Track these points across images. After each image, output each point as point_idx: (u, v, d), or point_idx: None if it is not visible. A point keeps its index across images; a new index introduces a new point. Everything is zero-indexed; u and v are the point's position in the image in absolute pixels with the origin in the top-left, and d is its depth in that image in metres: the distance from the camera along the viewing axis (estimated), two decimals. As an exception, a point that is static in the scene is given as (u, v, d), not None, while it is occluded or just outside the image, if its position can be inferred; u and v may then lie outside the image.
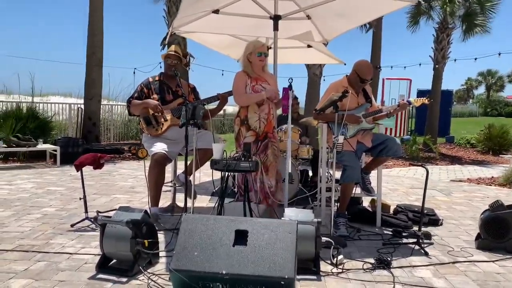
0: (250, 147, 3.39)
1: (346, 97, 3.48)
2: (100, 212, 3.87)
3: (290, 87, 3.63)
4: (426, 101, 4.00)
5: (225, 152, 3.34)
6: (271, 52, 4.33)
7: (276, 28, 4.33)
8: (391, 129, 16.23)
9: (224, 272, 2.17)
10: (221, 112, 19.90)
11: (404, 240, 3.58)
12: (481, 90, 64.10)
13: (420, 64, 13.73)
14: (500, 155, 11.68)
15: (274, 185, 3.91)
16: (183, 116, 3.58)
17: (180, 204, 4.51)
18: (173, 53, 4.11)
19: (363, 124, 3.87)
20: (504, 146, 12.08)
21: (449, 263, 3.10)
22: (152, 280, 2.58)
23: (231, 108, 17.41)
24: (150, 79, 4.18)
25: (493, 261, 3.16)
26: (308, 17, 4.95)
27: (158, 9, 12.17)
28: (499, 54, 12.63)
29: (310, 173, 5.85)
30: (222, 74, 12.80)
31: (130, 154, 9.27)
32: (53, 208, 4.41)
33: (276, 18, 4.31)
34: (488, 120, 17.35)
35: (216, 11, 4.57)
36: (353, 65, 3.96)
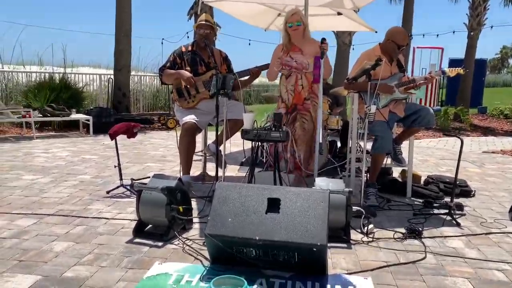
0: (281, 117, 3.39)
1: (380, 65, 3.40)
2: (134, 180, 3.99)
3: (321, 55, 3.57)
4: (461, 71, 3.87)
5: (255, 122, 3.36)
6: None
7: (307, -6, 4.24)
8: (421, 99, 15.83)
9: (257, 238, 2.22)
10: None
11: (435, 211, 3.55)
12: (516, 59, 61.43)
13: (454, 32, 13.14)
14: (536, 127, 11.29)
15: (302, 157, 3.92)
16: (213, 86, 3.61)
17: (211, 173, 4.58)
18: (204, 22, 4.07)
19: (395, 94, 3.79)
20: (540, 117, 11.67)
21: (481, 234, 3.08)
22: (187, 245, 2.67)
23: (256, 80, 17.31)
24: (183, 49, 4.18)
25: (527, 233, 3.12)
26: (340, -17, 4.81)
27: (184, -22, 12.04)
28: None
29: (339, 144, 5.81)
30: (249, 44, 12.66)
31: (160, 124, 9.41)
32: (88, 175, 4.57)
33: (307, -15, 4.20)
34: (524, 90, 16.68)
35: (245, -21, 4.49)
36: (386, 33, 3.86)
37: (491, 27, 12.33)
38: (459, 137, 3.39)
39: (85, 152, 5.96)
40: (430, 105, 14.89)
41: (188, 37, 11.57)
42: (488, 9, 12.32)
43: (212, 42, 6.20)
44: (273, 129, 3.30)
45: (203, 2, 5.22)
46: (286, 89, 3.87)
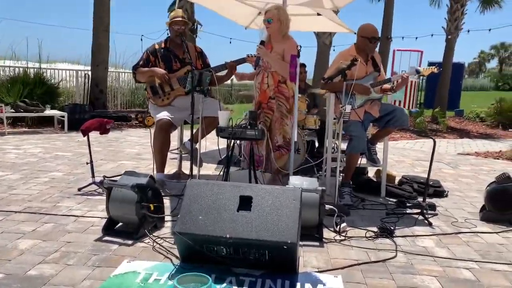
0: (256, 115, 3.37)
1: (355, 65, 3.43)
2: (107, 177, 3.91)
3: (297, 54, 3.57)
4: (435, 70, 3.91)
5: (231, 120, 3.33)
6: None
7: (285, -7, 4.22)
8: (400, 101, 16.06)
9: (228, 235, 2.19)
10: (228, 82, 19.78)
11: (408, 211, 3.58)
12: (493, 63, 62.94)
13: (432, 35, 13.36)
14: (510, 129, 11.56)
15: (264, 156, 3.88)
16: (189, 83, 3.56)
17: (186, 171, 4.53)
18: (180, 18, 4.02)
19: (371, 94, 3.82)
20: (514, 120, 11.95)
21: (452, 233, 3.11)
22: (157, 243, 2.63)
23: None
24: (156, 46, 4.12)
25: (496, 233, 3.16)
26: (319, -18, 4.82)
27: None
28: (514, 25, 12.23)
29: (317, 144, 5.83)
30: (230, 42, 12.62)
31: (137, 122, 9.29)
32: (60, 172, 4.47)
33: (285, -17, 4.19)
34: (499, 94, 17.05)
35: (225, -25, 4.45)
36: (357, 32, 3.90)
37: (468, 31, 12.59)
38: (432, 138, 3.43)
39: (58, 149, 5.83)
40: (409, 107, 15.12)
41: (168, 34, 11.45)
42: (466, 13, 12.58)
43: (192, 39, 6.18)
44: (249, 127, 3.28)
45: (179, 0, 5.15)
46: (254, 87, 3.88)
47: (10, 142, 6.23)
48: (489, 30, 13.30)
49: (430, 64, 17.08)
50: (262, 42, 3.74)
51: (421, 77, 9.75)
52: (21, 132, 7.32)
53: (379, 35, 3.84)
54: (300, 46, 3.66)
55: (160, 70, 3.93)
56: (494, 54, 60.33)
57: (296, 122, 3.76)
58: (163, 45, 4.11)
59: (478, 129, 11.95)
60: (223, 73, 4.14)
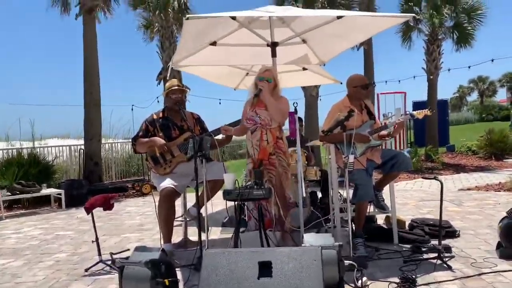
0: (261, 174, 3.36)
1: (352, 116, 3.49)
2: (113, 254, 3.80)
3: (295, 111, 3.63)
4: (429, 113, 4.00)
5: (236, 181, 3.32)
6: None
7: (274, 55, 4.38)
8: (390, 143, 16.24)
9: (252, 306, 2.11)
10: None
11: (425, 256, 3.51)
12: (473, 96, 64.77)
13: (414, 77, 13.85)
14: (504, 160, 11.67)
15: (278, 212, 3.84)
16: (190, 149, 3.57)
17: (192, 238, 4.45)
18: (177, 87, 4.11)
19: (370, 142, 3.86)
20: (506, 150, 12.11)
21: (474, 275, 3.04)
22: (176, 321, 2.51)
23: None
24: (155, 116, 4.18)
25: (518, 270, 3.10)
26: (304, 41, 5.02)
27: (151, 46, 12.34)
28: (492, 60, 12.78)
29: (319, 194, 5.79)
30: (220, 103, 12.87)
31: (134, 191, 9.21)
32: (64, 253, 4.34)
33: (273, 45, 4.36)
34: (485, 125, 17.39)
35: (214, 43, 4.62)
36: (346, 85, 4.01)
37: (448, 70, 13.05)
38: (438, 180, 3.44)
39: (58, 228, 5.70)
40: (400, 148, 15.28)
41: (158, 101, 11.69)
42: (443, 53, 13.09)
43: (184, 105, 6.26)
44: (255, 186, 3.26)
45: (172, 68, 5.29)
46: (252, 144, 3.88)
47: (8, 226, 6.09)
48: (469, 67, 13.79)
49: (415, 103, 17.51)
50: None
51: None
52: (18, 214, 7.17)
53: (368, 81, 3.96)
54: (297, 103, 3.74)
55: (160, 141, 3.95)
56: (474, 87, 62.29)
57: (302, 176, 3.75)
58: (161, 115, 4.17)
59: (472, 162, 12.05)
60: (220, 136, 4.18)
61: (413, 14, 3.74)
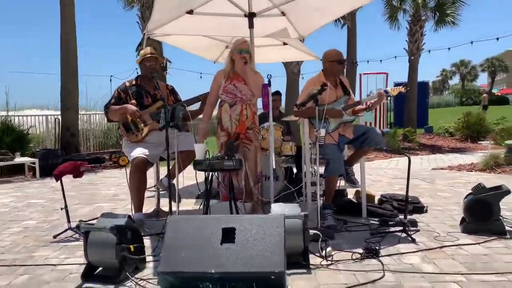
0: (233, 145, 3.36)
1: (325, 90, 3.49)
2: (83, 221, 3.79)
3: (269, 83, 3.61)
4: (403, 90, 4.03)
5: (207, 152, 3.31)
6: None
7: (251, 25, 4.33)
8: (370, 122, 16.44)
9: (213, 271, 2.14)
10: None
11: (391, 229, 3.59)
12: (455, 80, 65.66)
13: (395, 57, 13.87)
14: (478, 142, 11.92)
15: (250, 184, 3.88)
16: (162, 119, 3.53)
17: (165, 208, 4.44)
18: (150, 55, 4.04)
19: (344, 117, 3.88)
20: (482, 133, 12.35)
21: (436, 248, 3.13)
22: (140, 286, 2.53)
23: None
24: (127, 84, 4.11)
25: (478, 243, 3.20)
26: (283, 13, 4.96)
27: (131, 15, 12.06)
28: (472, 42, 12.90)
29: (295, 170, 5.84)
30: (201, 77, 12.74)
31: (111, 163, 9.13)
32: (34, 220, 4.30)
33: (250, 16, 4.30)
34: (464, 109, 17.66)
35: (190, 12, 4.53)
36: (322, 59, 4.00)
37: (429, 51, 13.13)
38: (406, 155, 3.50)
39: (31, 197, 5.63)
40: (380, 127, 15.46)
41: (138, 73, 11.48)
42: (425, 34, 13.14)
43: (163, 76, 6.16)
44: (226, 158, 3.26)
45: (149, 37, 5.19)
46: (230, 118, 3.87)
47: (-21, 194, 5.99)
48: (449, 48, 13.91)
49: (396, 84, 17.65)
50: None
51: (390, 98, 9.99)
52: (-10, 182, 7.06)
53: (343, 57, 3.95)
54: (270, 75, 3.72)
55: (131, 107, 3.90)
56: (455, 71, 63.02)
57: (273, 150, 3.77)
58: (134, 82, 4.10)
59: (448, 143, 12.27)
60: (197, 106, 4.15)
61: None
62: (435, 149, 11.02)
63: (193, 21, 4.78)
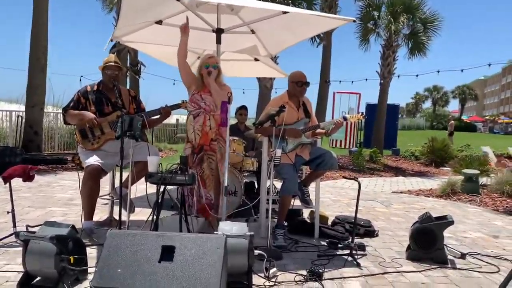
0: (187, 159, 3.36)
1: (283, 111, 3.55)
2: (30, 226, 3.69)
3: (228, 100, 3.65)
4: (361, 117, 4.17)
5: (160, 165, 3.30)
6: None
7: (218, 41, 4.36)
8: (340, 141, 16.74)
9: (147, 289, 2.13)
10: (173, 121, 19.65)
11: (339, 252, 3.66)
12: (428, 104, 67.56)
13: (366, 79, 14.25)
14: (441, 167, 12.27)
15: (214, 197, 3.92)
16: (119, 127, 3.50)
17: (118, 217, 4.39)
18: (113, 63, 4.00)
19: (303, 139, 3.95)
20: (446, 159, 12.72)
21: (378, 274, 3.20)
22: (76, 298, 2.49)
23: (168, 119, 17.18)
24: (88, 88, 4.05)
25: (420, 271, 3.29)
26: (253, 31, 5.03)
27: (107, 17, 11.99)
28: (438, 71, 13.35)
29: (256, 185, 5.87)
30: (174, 84, 12.70)
31: (73, 164, 8.93)
32: (-20, 222, 4.17)
33: (218, 32, 4.33)
34: (434, 133, 18.17)
35: (159, 22, 4.54)
36: (288, 79, 4.08)
37: (398, 76, 13.51)
38: (356, 180, 3.58)
39: (-19, 196, 5.45)
40: (349, 146, 15.73)
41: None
42: (397, 59, 13.52)
43: (136, 80, 6.16)
44: (179, 172, 3.26)
45: (118, 42, 5.15)
46: (193, 129, 3.89)
47: None
48: (417, 75, 14.32)
49: (368, 105, 18.05)
50: None
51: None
52: None
53: (307, 80, 4.02)
54: (230, 93, 3.75)
55: (89, 114, 3.85)
56: (428, 95, 64.89)
57: (227, 165, 3.78)
58: (95, 88, 4.05)
59: (413, 167, 12.57)
60: (156, 116, 4.14)
61: (353, 18, 3.82)
62: (399, 172, 11.27)
63: (163, 31, 4.78)
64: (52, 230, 2.68)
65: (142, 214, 4.77)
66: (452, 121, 26.02)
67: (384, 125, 13.64)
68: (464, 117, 57.24)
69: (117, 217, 4.31)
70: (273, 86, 11.34)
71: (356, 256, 3.48)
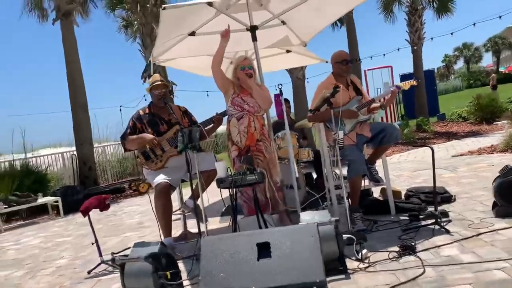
0: (252, 159, 3.36)
1: (338, 92, 3.48)
2: (115, 253, 3.81)
3: (280, 93, 3.63)
4: (415, 83, 4.03)
5: (229, 168, 3.32)
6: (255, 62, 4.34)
7: (254, 39, 4.34)
8: (382, 118, 16.35)
9: (253, 287, 2.13)
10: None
11: (423, 223, 3.54)
12: (459, 64, 65.10)
13: (398, 49, 13.82)
14: (494, 123, 11.76)
15: (269, 198, 3.87)
16: (180, 142, 3.55)
17: (192, 230, 4.46)
18: (160, 82, 4.08)
19: (359, 117, 3.87)
20: (495, 114, 12.19)
21: (472, 236, 3.07)
22: (182, 311, 2.52)
23: (221, 128, 17.36)
24: (141, 112, 4.16)
25: (515, 226, 3.14)
26: (283, 22, 4.98)
27: (134, 45, 12.27)
28: (474, 24, 12.78)
29: (314, 175, 5.82)
30: (207, 95, 12.82)
31: (131, 191, 9.19)
32: (65, 259, 4.34)
33: (253, 29, 4.32)
34: (473, 92, 17.47)
35: (193, 33, 4.58)
36: (330, 62, 4.02)
37: (432, 38, 13.05)
38: (429, 146, 3.46)
39: (58, 235, 5.69)
40: (392, 121, 15.35)
41: (146, 99, 11.61)
42: (425, 23, 13.09)
43: (170, 99, 6.25)
44: (247, 172, 3.26)
45: (154, 63, 5.25)
46: (239, 131, 3.88)
47: (7, 239, 6.07)
48: (451, 33, 13.78)
49: (402, 76, 17.56)
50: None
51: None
52: (16, 226, 7.15)
53: (348, 57, 3.95)
54: (281, 85, 3.74)
55: (149, 136, 3.94)
56: (459, 55, 62.52)
57: (293, 158, 3.75)
58: (147, 111, 4.15)
59: (463, 128, 12.12)
60: (209, 126, 4.18)
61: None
62: (450, 136, 10.89)
63: (195, 42, 4.82)
64: (144, 250, 2.73)
65: (212, 223, 4.83)
66: (494, 74, 24.91)
67: (425, 93, 13.23)
68: (501, 69, 54.72)
69: (191, 230, 4.41)
70: (305, 76, 11.23)
71: (442, 224, 3.36)
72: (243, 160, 3.53)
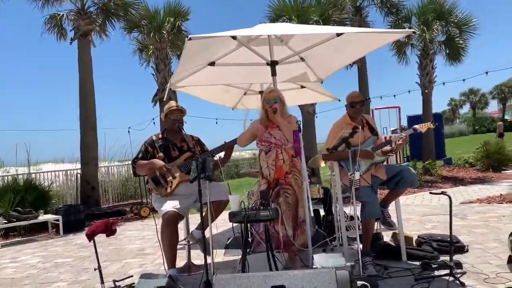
0: (268, 194, 3.30)
1: (357, 132, 3.46)
2: (116, 281, 3.69)
3: (299, 129, 3.60)
4: (432, 125, 4.02)
5: (242, 202, 3.25)
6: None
7: (274, 73, 4.37)
8: (388, 158, 16.28)
9: (267, 334, 2.03)
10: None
11: (436, 273, 3.44)
12: (465, 109, 65.52)
13: (409, 91, 13.88)
14: (502, 171, 11.67)
15: (291, 234, 3.79)
16: (193, 171, 3.50)
17: (196, 261, 4.34)
18: (176, 107, 4.09)
19: (374, 158, 3.82)
20: (503, 162, 12.11)
21: (489, 292, 2.97)
22: None
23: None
24: (154, 137, 4.15)
25: (533, 284, 3.03)
26: (302, 59, 5.02)
27: (146, 68, 12.34)
28: (487, 73, 12.88)
29: (322, 212, 5.72)
30: (216, 123, 12.84)
31: (133, 215, 9.07)
32: (65, 282, 4.21)
33: (273, 64, 4.35)
34: (479, 137, 17.47)
35: (212, 64, 4.61)
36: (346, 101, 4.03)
37: (443, 83, 13.14)
38: (446, 194, 3.39)
39: (58, 256, 5.56)
40: (397, 162, 15.28)
41: (154, 123, 11.64)
42: (436, 67, 13.20)
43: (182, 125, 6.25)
44: (261, 207, 3.19)
45: (170, 88, 5.26)
46: (267, 164, 3.84)
47: (5, 255, 5.93)
48: (463, 80, 13.88)
49: (409, 118, 17.60)
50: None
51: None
52: (14, 242, 7.00)
53: (360, 99, 3.95)
54: (300, 121, 3.71)
55: (159, 162, 3.91)
56: (465, 99, 63.03)
57: (307, 196, 3.68)
58: (160, 136, 4.15)
59: (470, 174, 12.02)
60: (218, 156, 4.15)
61: (413, 30, 3.74)
62: (457, 181, 10.78)
63: (214, 71, 4.85)
64: (152, 283, 2.66)
65: (215, 255, 4.71)
66: (500, 122, 24.96)
67: (433, 136, 13.20)
68: (507, 117, 54.99)
69: (194, 262, 4.30)
70: (315, 111, 11.24)
71: (457, 276, 3.25)
72: (261, 194, 3.47)
